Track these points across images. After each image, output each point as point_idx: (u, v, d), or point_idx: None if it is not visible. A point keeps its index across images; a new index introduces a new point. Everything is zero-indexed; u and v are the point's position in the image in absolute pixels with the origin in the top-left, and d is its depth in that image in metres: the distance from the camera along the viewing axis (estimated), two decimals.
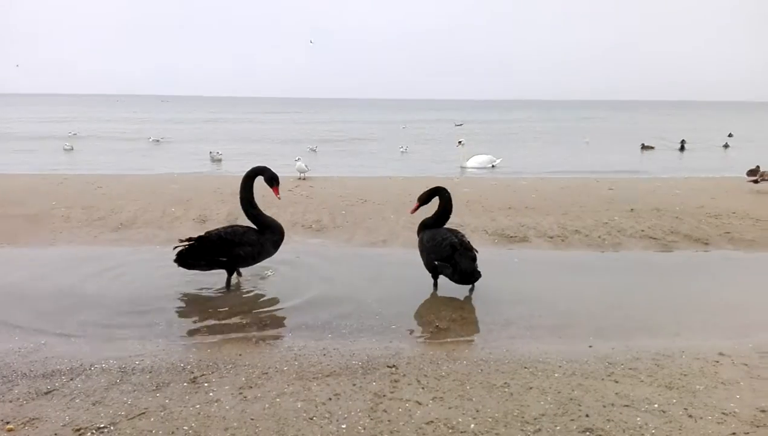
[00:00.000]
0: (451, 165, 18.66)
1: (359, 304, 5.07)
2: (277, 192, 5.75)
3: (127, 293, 5.29)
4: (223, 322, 4.66)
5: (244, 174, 5.77)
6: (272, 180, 5.70)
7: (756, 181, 11.41)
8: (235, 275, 5.68)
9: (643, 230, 7.78)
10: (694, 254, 6.99)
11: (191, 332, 4.46)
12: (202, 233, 5.53)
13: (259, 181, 5.79)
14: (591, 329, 4.59)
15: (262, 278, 5.83)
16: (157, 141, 26.93)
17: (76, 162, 19.37)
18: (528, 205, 9.35)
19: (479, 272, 5.15)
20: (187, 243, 5.42)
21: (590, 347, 4.22)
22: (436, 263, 5.34)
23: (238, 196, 5.72)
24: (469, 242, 5.40)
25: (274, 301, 5.20)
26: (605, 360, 3.93)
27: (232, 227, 5.65)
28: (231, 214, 8.40)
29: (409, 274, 5.83)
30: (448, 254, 5.21)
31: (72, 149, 23.15)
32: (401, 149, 26.29)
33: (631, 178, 14.22)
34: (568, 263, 6.60)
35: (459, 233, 5.51)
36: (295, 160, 11.93)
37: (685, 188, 11.40)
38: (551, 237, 7.50)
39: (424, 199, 5.90)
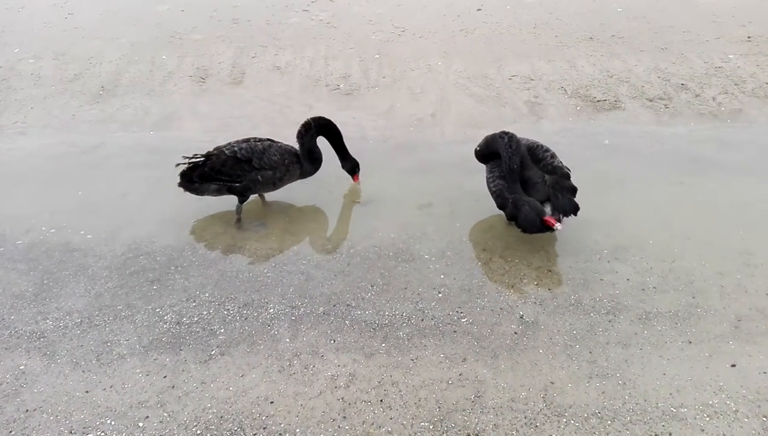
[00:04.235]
0: None
1: (414, 266, 3.92)
2: (357, 179, 4.62)
3: (123, 246, 4.18)
4: (245, 313, 3.62)
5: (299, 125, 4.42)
6: (354, 169, 4.60)
7: None
8: (261, 201, 4.64)
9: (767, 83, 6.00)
10: None
11: (203, 343, 3.45)
12: (211, 150, 4.31)
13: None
14: (727, 321, 3.46)
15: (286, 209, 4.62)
16: None
17: None
18: (615, 32, 7.28)
19: (572, 209, 3.87)
20: (192, 161, 4.24)
21: (733, 366, 3.18)
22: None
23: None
24: (558, 165, 3.97)
25: (301, 257, 4.04)
26: (759, 412, 2.91)
27: (247, 141, 4.33)
28: (236, 66, 6.69)
29: (468, 187, 4.60)
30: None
31: None
32: None
33: None
34: (676, 152, 5.13)
35: (540, 150, 4.03)
36: None
37: None
38: (651, 100, 5.83)
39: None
